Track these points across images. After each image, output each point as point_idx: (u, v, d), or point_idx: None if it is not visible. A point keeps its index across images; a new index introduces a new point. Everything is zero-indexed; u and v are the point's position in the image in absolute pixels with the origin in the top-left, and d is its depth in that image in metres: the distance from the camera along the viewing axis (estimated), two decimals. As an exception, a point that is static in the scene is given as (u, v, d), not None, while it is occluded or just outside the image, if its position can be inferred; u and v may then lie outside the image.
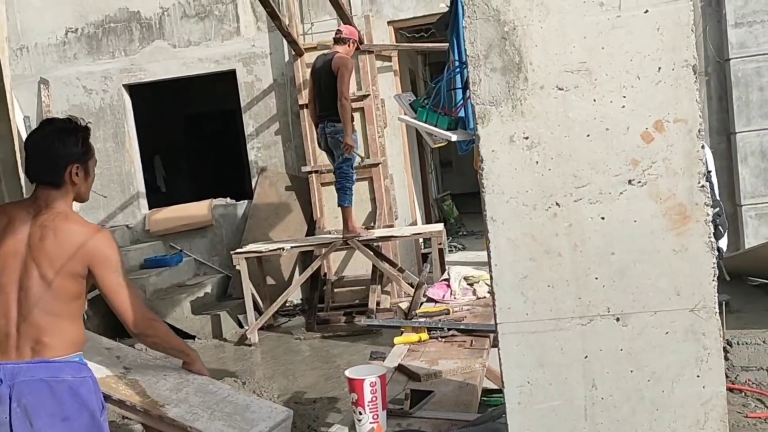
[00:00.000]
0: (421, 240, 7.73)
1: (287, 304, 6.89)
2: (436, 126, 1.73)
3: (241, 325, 6.67)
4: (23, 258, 2.15)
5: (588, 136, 1.33)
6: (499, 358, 1.47)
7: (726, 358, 3.92)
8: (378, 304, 6.32)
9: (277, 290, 6.68)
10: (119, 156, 7.88)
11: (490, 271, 1.43)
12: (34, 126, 7.17)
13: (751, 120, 5.73)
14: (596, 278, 1.36)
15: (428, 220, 9.51)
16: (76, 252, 2.15)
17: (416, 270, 7.06)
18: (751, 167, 5.75)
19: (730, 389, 3.82)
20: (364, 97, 6.89)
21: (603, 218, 1.34)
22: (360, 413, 1.72)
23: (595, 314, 1.37)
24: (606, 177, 1.33)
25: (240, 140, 9.20)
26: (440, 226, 6.32)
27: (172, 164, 11.07)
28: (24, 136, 6.97)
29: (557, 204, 1.36)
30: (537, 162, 1.36)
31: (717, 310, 1.32)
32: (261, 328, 6.32)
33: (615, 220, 1.34)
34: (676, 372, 1.34)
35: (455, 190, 12.13)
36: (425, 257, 7.47)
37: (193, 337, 6.58)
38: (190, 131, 11.58)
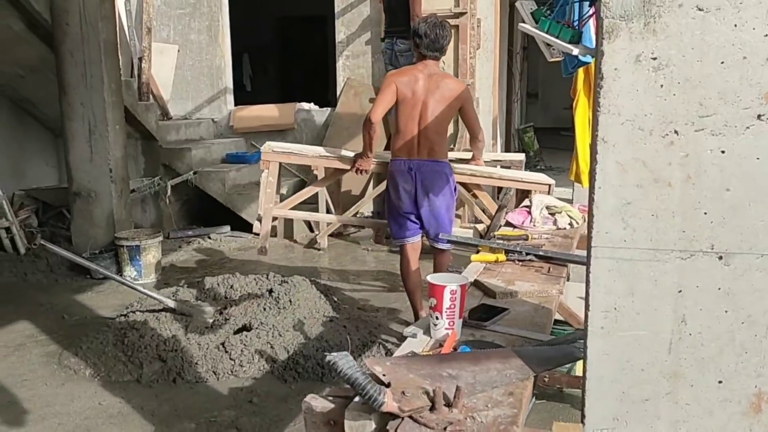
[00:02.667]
0: (498, 167, 7.63)
1: (358, 215, 7.00)
2: (557, 38, 1.67)
3: (311, 230, 6.84)
4: (424, 99, 3.81)
5: (722, 63, 1.26)
6: (587, 283, 1.46)
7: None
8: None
9: (351, 200, 6.78)
10: (211, 49, 7.99)
11: (592, 193, 1.41)
12: (133, 9, 7.33)
13: None
14: (705, 213, 1.32)
15: (508, 150, 9.36)
16: (453, 96, 3.83)
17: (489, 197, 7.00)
18: None
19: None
20: (461, 14, 6.68)
21: (723, 152, 1.29)
22: (437, 318, 1.76)
23: (697, 250, 1.33)
24: (734, 109, 1.27)
25: (328, 48, 9.16)
26: (521, 156, 6.21)
27: (259, 65, 11.16)
28: (124, 19, 7.14)
29: (676, 132, 1.31)
30: (662, 85, 1.30)
31: (829, 261, 1.27)
32: (330, 235, 6.47)
33: (736, 155, 1.28)
34: (773, 318, 1.31)
35: (538, 124, 11.84)
36: (500, 187, 7.39)
37: (265, 235, 6.81)
38: (281, 34, 11.58)
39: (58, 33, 5.42)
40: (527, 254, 2.53)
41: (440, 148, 3.93)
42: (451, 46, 6.80)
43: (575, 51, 1.71)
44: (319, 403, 1.49)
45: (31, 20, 5.58)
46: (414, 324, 1.88)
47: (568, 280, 2.67)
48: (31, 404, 3.30)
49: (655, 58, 1.30)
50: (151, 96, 7.14)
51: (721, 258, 1.32)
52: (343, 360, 1.35)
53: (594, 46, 1.55)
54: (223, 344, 3.80)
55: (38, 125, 6.89)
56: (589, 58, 1.96)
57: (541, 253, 2.54)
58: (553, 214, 3.09)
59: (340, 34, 7.51)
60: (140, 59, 7.07)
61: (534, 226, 3.06)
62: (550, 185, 4.77)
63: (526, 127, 10.84)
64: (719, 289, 1.33)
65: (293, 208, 5.38)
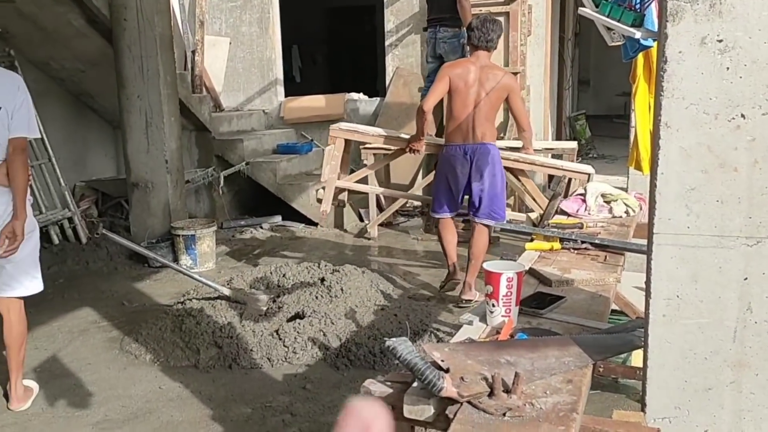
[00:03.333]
0: (550, 156, 7.53)
1: (407, 205, 7.01)
2: (619, 21, 1.64)
3: (361, 219, 6.89)
4: (477, 89, 4.20)
5: (792, 44, 1.22)
6: (648, 270, 1.44)
7: None
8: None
9: (400, 189, 6.80)
10: (262, 41, 8.09)
11: (654, 179, 1.39)
12: (186, 3, 7.46)
13: None
14: (773, 199, 1.28)
15: (559, 138, 9.22)
16: (502, 86, 4.20)
17: (540, 187, 6.93)
18: None
19: None
20: (511, 1, 6.61)
21: (793, 136, 1.25)
22: (493, 305, 1.77)
23: (764, 236, 1.30)
24: (805, 91, 1.23)
25: (377, 37, 9.17)
26: (573, 144, 6.12)
27: (308, 56, 11.24)
28: (177, 12, 7.28)
29: (742, 115, 1.28)
30: (728, 68, 1.27)
31: None
32: (380, 224, 6.49)
33: (807, 138, 1.24)
34: None
35: (590, 111, 11.62)
36: (551, 176, 7.30)
37: (316, 224, 6.89)
38: (330, 25, 11.63)
39: (117, 28, 5.57)
40: (583, 242, 2.51)
41: (491, 132, 4.35)
42: (503, 33, 6.79)
43: (637, 34, 1.67)
44: (377, 387, 1.52)
45: (91, 16, 5.75)
46: (469, 311, 1.89)
47: (623, 269, 2.63)
48: (96, 387, 3.43)
49: (720, 40, 1.27)
50: (203, 88, 7.27)
51: (789, 245, 1.29)
52: (402, 345, 1.37)
53: (656, 29, 1.52)
54: (276, 331, 3.87)
55: (98, 118, 7.11)
56: (650, 42, 1.92)
57: (597, 241, 2.51)
58: (608, 202, 3.05)
59: (389, 23, 7.50)
60: (193, 52, 7.20)
61: (589, 214, 3.02)
62: (589, 174, 4.79)
63: (577, 115, 10.66)
64: (788, 276, 1.30)
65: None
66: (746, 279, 1.33)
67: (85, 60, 6.23)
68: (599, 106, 13.49)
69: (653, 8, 1.83)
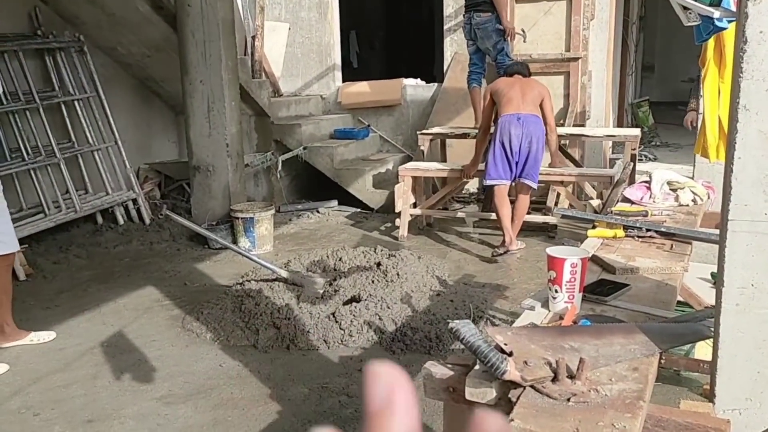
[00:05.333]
0: (610, 144, 7.37)
1: (464, 191, 6.97)
2: (696, 0, 1.58)
3: (415, 204, 6.88)
4: (520, 88, 5.04)
5: None
6: (720, 258, 1.40)
7: None
8: (556, 203, 6.20)
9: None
10: (320, 27, 8.13)
11: (730, 164, 1.34)
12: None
13: None
14: None
15: (620, 125, 9.00)
16: (537, 90, 5.10)
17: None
18: None
19: None
20: (575, -16, 6.47)
21: None
22: (556, 291, 1.75)
23: None
24: None
25: (435, 23, 9.11)
26: (636, 131, 5.97)
27: (365, 41, 11.24)
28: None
29: (828, 98, 1.23)
30: (813, 48, 1.22)
31: None
32: (436, 208, 6.46)
33: None
34: None
35: (653, 97, 11.27)
36: (612, 163, 7.14)
37: (371, 209, 6.92)
38: (388, 10, 11.60)
39: (181, 14, 5.69)
40: (648, 230, 2.45)
41: (537, 112, 5.06)
42: (563, 17, 6.65)
43: (716, 14, 1.62)
44: (438, 370, 1.52)
45: (156, 2, 5.90)
46: (531, 298, 1.87)
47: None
48: (160, 363, 3.54)
49: (807, 19, 1.21)
50: (263, 73, 7.37)
51: None
52: (465, 327, 1.37)
53: (734, 9, 1.46)
54: (333, 314, 3.92)
55: (161, 103, 7.30)
56: (725, 24, 1.84)
57: (663, 229, 2.44)
58: (675, 190, 2.96)
59: (448, 8, 7.44)
60: (253, 37, 7.30)
61: (653, 202, 2.95)
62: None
63: (640, 101, 10.36)
64: None
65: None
66: (827, 269, 1.28)
67: (150, 45, 6.40)
68: (664, 92, 13.08)
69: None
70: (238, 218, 5.62)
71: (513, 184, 5.23)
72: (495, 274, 4.93)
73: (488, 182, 5.18)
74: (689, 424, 1.32)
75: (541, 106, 5.13)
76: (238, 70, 6.08)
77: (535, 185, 5.15)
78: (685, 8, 1.82)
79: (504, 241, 5.19)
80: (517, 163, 5.05)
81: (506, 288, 4.61)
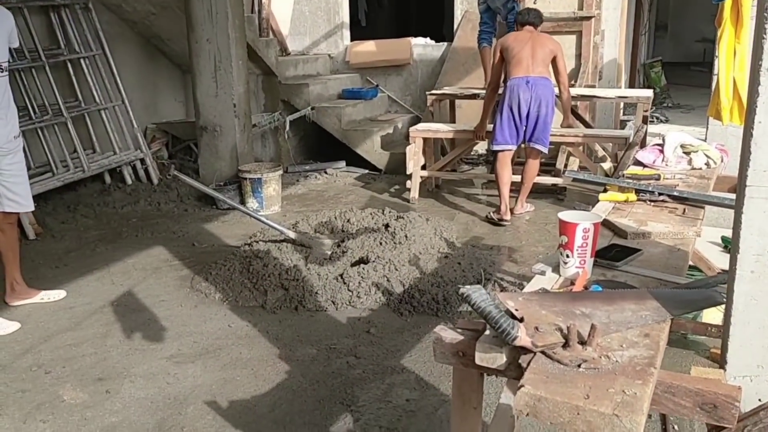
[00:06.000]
0: (622, 105, 7.27)
1: (472, 153, 6.92)
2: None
3: (425, 166, 6.84)
4: (531, 46, 4.94)
5: None
6: (736, 224, 1.38)
7: None
8: (566, 165, 6.15)
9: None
10: (329, -16, 7.98)
11: (750, 128, 1.31)
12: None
13: None
14: None
15: (632, 86, 8.87)
16: (549, 46, 5.01)
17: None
18: None
19: None
20: (588, -60, 6.30)
21: None
22: (567, 256, 1.73)
23: None
24: None
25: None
26: (649, 92, 5.87)
27: (374, 1, 11.05)
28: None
29: None
30: (842, 8, 1.17)
31: None
32: (446, 170, 6.42)
33: None
34: None
35: (666, 58, 11.09)
36: (623, 124, 7.06)
37: (379, 170, 6.89)
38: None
39: (186, -30, 5.59)
40: (660, 194, 2.42)
41: (547, 73, 5.01)
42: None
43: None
44: (448, 334, 1.52)
45: (161, -42, 5.79)
46: (541, 261, 1.85)
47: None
48: (169, 323, 3.57)
49: (837, -23, 1.17)
50: (270, 32, 7.27)
51: None
52: (476, 293, 1.36)
53: (760, -35, 1.41)
54: (341, 275, 3.93)
55: (168, 62, 7.22)
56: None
57: (675, 193, 2.41)
58: (687, 153, 2.92)
59: (458, -35, 7.28)
60: (260, -5, 7.19)
61: (666, 165, 2.91)
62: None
63: (653, 62, 10.20)
64: None
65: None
66: None
67: (156, 2, 6.30)
68: (676, 52, 12.88)
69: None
70: (245, 179, 5.61)
71: (523, 146, 5.24)
72: (503, 237, 4.92)
73: (495, 147, 5.17)
74: (699, 391, 1.31)
75: (553, 63, 5.05)
76: (245, 28, 5.99)
77: (545, 149, 5.11)
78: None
79: (500, 209, 5.19)
80: (526, 128, 5.01)
81: (514, 250, 4.61)
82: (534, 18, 5.15)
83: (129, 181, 6.15)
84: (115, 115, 6.20)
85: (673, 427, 2.50)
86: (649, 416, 2.61)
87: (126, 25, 6.67)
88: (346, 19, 8.16)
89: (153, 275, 4.25)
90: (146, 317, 3.65)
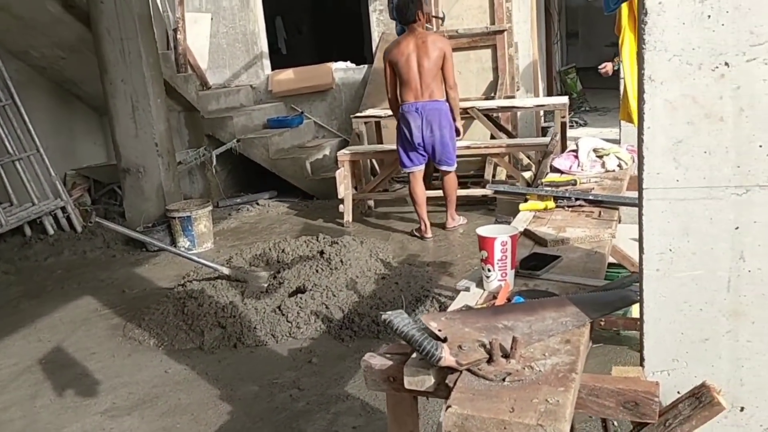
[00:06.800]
0: (542, 113, 7.49)
1: (403, 171, 6.97)
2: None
3: (356, 188, 6.86)
4: (417, 56, 4.85)
5: (774, -14, 1.19)
6: (640, 226, 1.43)
7: None
8: (493, 175, 6.28)
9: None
10: (244, 15, 7.97)
11: (641, 134, 1.37)
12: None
13: None
14: (760, 146, 1.27)
15: (550, 93, 9.16)
16: (437, 48, 4.84)
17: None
18: None
19: None
20: (493, -43, 6.50)
21: (778, 81, 1.23)
22: (489, 270, 1.76)
23: (753, 184, 1.29)
24: (788, 34, 1.21)
25: (361, 3, 9.03)
26: (565, 99, 6.08)
27: (293, 26, 11.09)
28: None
29: (726, 64, 1.26)
30: (709, 16, 1.25)
31: None
32: (378, 191, 6.46)
33: (792, 83, 1.22)
34: (838, 250, 1.27)
35: (580, 64, 11.51)
36: (545, 131, 7.26)
37: (312, 197, 6.87)
38: (311, -7, 11.44)
39: (94, 11, 5.48)
40: (576, 199, 2.49)
41: (438, 90, 4.97)
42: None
43: (616, -13, 1.64)
44: (377, 361, 1.52)
45: (67, 1, 5.65)
46: (466, 278, 1.88)
47: (619, 222, 2.63)
48: (102, 375, 3.45)
49: (701, -12, 1.24)
50: (188, 67, 7.19)
51: (779, 191, 1.28)
52: (398, 318, 1.37)
53: (635, -21, 1.48)
54: (279, 307, 3.89)
55: (83, 105, 7.04)
56: (630, -7, 1.88)
57: (590, 197, 2.50)
58: (600, 157, 3.02)
59: (371, -12, 7.40)
60: (175, 30, 7.10)
61: (582, 170, 3.00)
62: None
63: (567, 68, 10.57)
64: (779, 223, 1.29)
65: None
66: (737, 228, 1.32)
67: (64, 47, 6.15)
68: (589, 58, 13.34)
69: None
70: (174, 218, 5.50)
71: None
72: (438, 252, 4.97)
73: (404, 170, 5.28)
74: (621, 390, 1.35)
75: (443, 64, 4.91)
76: (160, 65, 5.91)
77: (452, 168, 5.17)
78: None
79: (420, 228, 5.30)
80: (426, 151, 5.07)
81: (450, 264, 4.66)
82: (409, 14, 4.90)
83: (51, 231, 5.94)
84: (31, 165, 5.99)
85: (613, 424, 2.57)
86: (590, 417, 2.68)
87: (35, 72, 6.48)
88: (265, 48, 8.16)
89: (82, 327, 4.10)
90: (77, 372, 3.51)
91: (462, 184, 6.35)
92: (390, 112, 6.20)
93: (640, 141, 1.37)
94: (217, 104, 7.46)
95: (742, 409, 1.40)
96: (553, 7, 9.97)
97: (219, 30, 8.04)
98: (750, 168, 1.29)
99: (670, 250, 1.38)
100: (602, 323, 3.11)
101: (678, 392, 1.40)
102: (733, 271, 1.35)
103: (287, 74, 8.04)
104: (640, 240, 1.43)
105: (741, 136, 1.28)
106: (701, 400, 1.30)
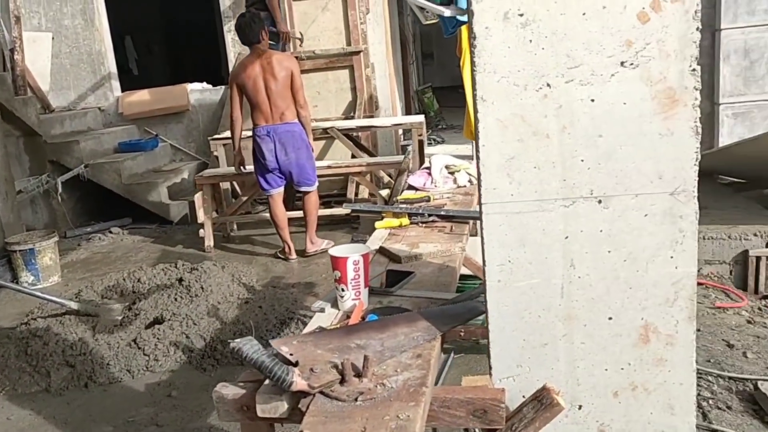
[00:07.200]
0: (401, 131, 7.69)
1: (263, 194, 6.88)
2: (429, 0, 1.66)
3: (218, 211, 6.69)
4: (263, 77, 4.75)
5: (584, 14, 1.30)
6: (482, 239, 1.50)
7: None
8: (356, 193, 6.35)
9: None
10: (88, 34, 7.57)
11: (478, 152, 1.43)
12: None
13: (738, 16, 5.63)
14: (582, 160, 1.37)
15: (408, 112, 9.43)
16: (284, 68, 4.76)
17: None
18: (732, 65, 5.70)
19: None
20: (347, -21, 6.62)
21: (593, 100, 1.34)
22: (343, 290, 1.77)
23: (578, 196, 1.39)
24: (599, 58, 1.31)
25: (216, 22, 8.87)
26: (421, 118, 6.28)
27: (144, 46, 10.69)
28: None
29: (548, 85, 1.35)
30: (530, 40, 1.33)
31: (695, 194, 1.35)
32: (239, 214, 6.33)
33: (605, 102, 1.33)
34: (652, 253, 1.39)
35: (436, 83, 11.97)
36: (404, 149, 7.45)
37: (171, 222, 6.61)
38: (164, 11, 11.09)
39: None
40: (429, 215, 2.57)
41: (289, 112, 4.87)
42: (341, 13, 6.78)
43: (447, 12, 1.72)
44: (229, 390, 1.47)
45: None
46: (321, 300, 1.88)
47: (474, 235, 2.74)
48: (-68, 430, 3.11)
49: (522, 14, 1.32)
50: (28, 89, 6.70)
51: (600, 202, 1.38)
52: (248, 345, 1.33)
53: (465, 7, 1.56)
54: (135, 341, 3.69)
55: None
56: (466, 18, 1.97)
57: (442, 212, 2.59)
58: (452, 173, 3.15)
59: (224, 4, 7.28)
60: (12, 51, 6.60)
61: (435, 186, 3.11)
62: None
63: (424, 88, 10.94)
64: (601, 231, 1.39)
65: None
66: (567, 238, 1.41)
67: None
68: (445, 77, 13.93)
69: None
70: (15, 251, 5.08)
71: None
72: (303, 273, 4.94)
73: (264, 193, 5.17)
74: (470, 399, 1.40)
75: (291, 83, 4.82)
76: (-6, 88, 5.46)
77: (312, 188, 5.09)
78: (422, 8, 1.93)
79: (284, 250, 5.23)
80: (282, 174, 4.98)
81: (315, 285, 4.64)
82: (252, 35, 4.76)
83: None
84: None
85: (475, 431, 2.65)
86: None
87: None
88: (113, 68, 7.78)
89: None
90: None
91: (325, 204, 6.38)
92: (248, 134, 6.14)
93: (478, 158, 1.43)
94: (61, 128, 7.01)
95: (580, 407, 1.49)
96: (408, 30, 10.31)
97: (61, 50, 7.57)
98: (575, 181, 1.39)
99: (509, 261, 1.45)
100: (462, 334, 3.22)
101: (523, 396, 1.47)
102: (566, 278, 1.44)
103: (140, 96, 7.71)
104: (483, 252, 1.49)
105: (565, 152, 1.38)
106: (542, 402, 1.37)
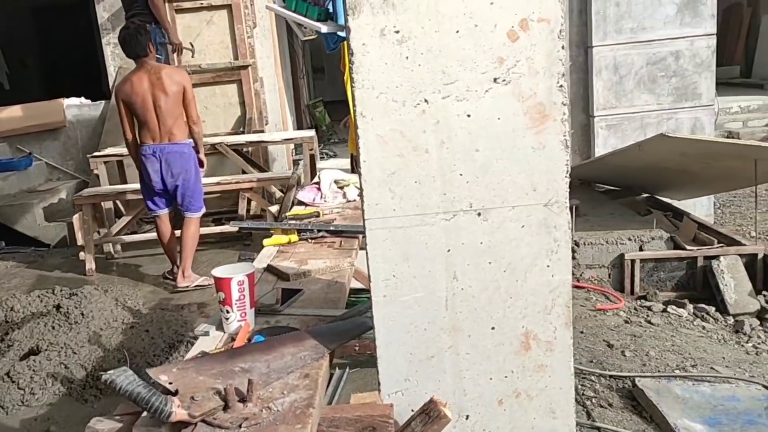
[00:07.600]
0: (292, 146, 7.62)
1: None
2: (305, 16, 1.66)
3: (99, 232, 6.36)
4: (152, 93, 4.40)
5: (457, 32, 1.33)
6: (367, 254, 1.49)
7: (573, 257, 4.26)
8: (248, 210, 6.23)
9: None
10: (-49, 47, 7.03)
11: (359, 167, 1.43)
12: None
13: (607, 35, 6.01)
14: (461, 174, 1.40)
15: (300, 127, 9.38)
16: (174, 82, 4.44)
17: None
18: (604, 80, 6.07)
19: (575, 287, 4.18)
20: (232, -8, 6.51)
21: (469, 116, 1.37)
22: (227, 312, 1.71)
23: (458, 209, 1.41)
24: (473, 74, 1.35)
25: (95, 35, 8.50)
26: (311, 132, 6.25)
27: (15, 60, 10.05)
28: None
29: (426, 101, 1.37)
30: (407, 57, 1.35)
31: (568, 204, 1.41)
32: (126, 233, 6.05)
33: (480, 117, 1.37)
34: (529, 263, 1.43)
35: (327, 97, 11.98)
36: (296, 163, 7.40)
37: (48, 246, 6.22)
38: (38, 25, 10.48)
39: None
40: (319, 231, 2.55)
41: (179, 131, 4.56)
42: (227, 26, 6.65)
43: (323, 29, 1.72)
44: (105, 425, 1.39)
45: None
46: (205, 323, 1.81)
47: (362, 248, 2.74)
48: None
49: (398, 31, 1.34)
50: None
51: (479, 214, 1.42)
52: (121, 376, 1.26)
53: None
54: (8, 374, 3.43)
55: None
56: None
57: (331, 228, 2.57)
58: (342, 188, 3.15)
59: (102, 17, 6.98)
60: None
61: (325, 201, 3.09)
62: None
63: (315, 102, 10.93)
64: (481, 243, 1.42)
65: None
66: (449, 251, 1.44)
67: None
68: (336, 92, 13.94)
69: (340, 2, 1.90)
70: None
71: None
72: (193, 293, 4.77)
73: (150, 213, 4.87)
74: (359, 417, 1.39)
75: (183, 99, 4.52)
76: None
77: (196, 214, 4.73)
78: (299, 24, 1.92)
79: (172, 270, 4.93)
80: (168, 195, 4.67)
81: (206, 305, 4.49)
82: (138, 48, 4.45)
83: None
84: None
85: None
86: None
87: None
88: (-19, 83, 7.26)
89: None
90: None
91: (216, 221, 6.21)
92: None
93: (360, 174, 1.43)
94: None
95: (467, 417, 1.51)
96: (297, 44, 10.28)
97: None
98: (455, 195, 1.41)
99: (394, 275, 1.45)
100: (357, 348, 3.21)
101: (412, 410, 1.47)
102: (449, 290, 1.46)
103: (11, 111, 7.22)
104: (368, 267, 1.49)
105: (444, 167, 1.40)
106: (430, 415, 1.38)
